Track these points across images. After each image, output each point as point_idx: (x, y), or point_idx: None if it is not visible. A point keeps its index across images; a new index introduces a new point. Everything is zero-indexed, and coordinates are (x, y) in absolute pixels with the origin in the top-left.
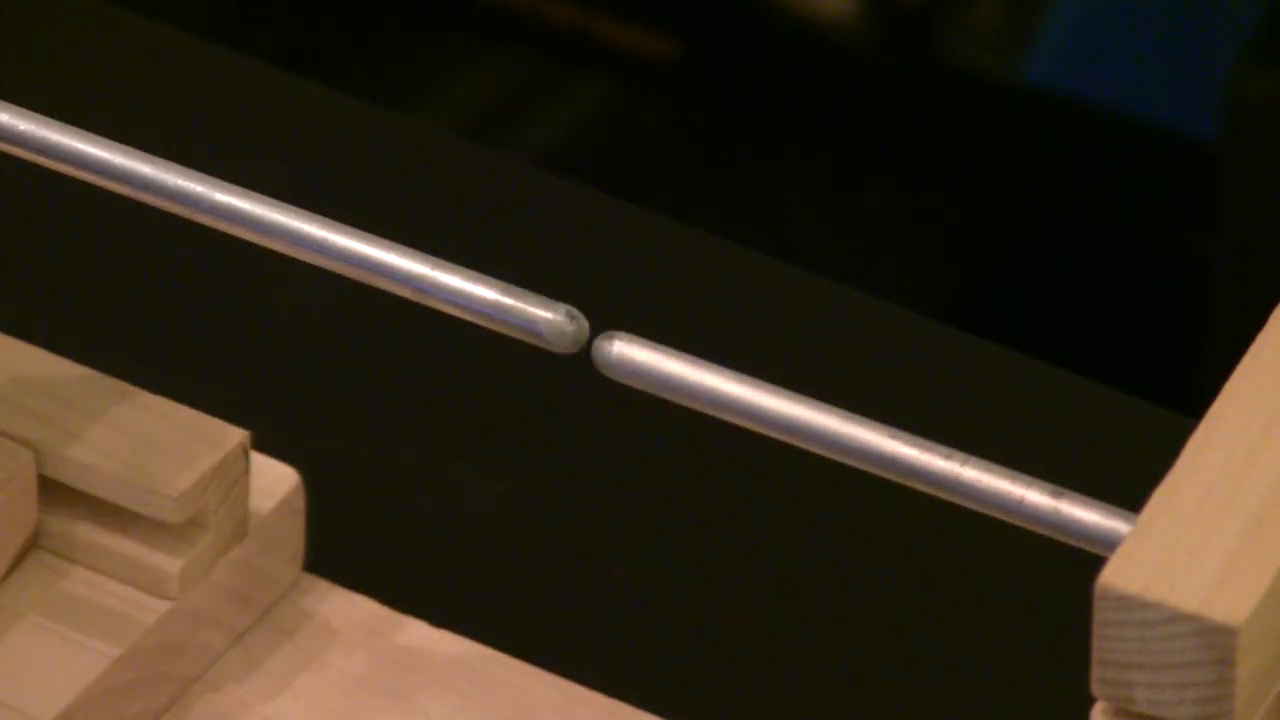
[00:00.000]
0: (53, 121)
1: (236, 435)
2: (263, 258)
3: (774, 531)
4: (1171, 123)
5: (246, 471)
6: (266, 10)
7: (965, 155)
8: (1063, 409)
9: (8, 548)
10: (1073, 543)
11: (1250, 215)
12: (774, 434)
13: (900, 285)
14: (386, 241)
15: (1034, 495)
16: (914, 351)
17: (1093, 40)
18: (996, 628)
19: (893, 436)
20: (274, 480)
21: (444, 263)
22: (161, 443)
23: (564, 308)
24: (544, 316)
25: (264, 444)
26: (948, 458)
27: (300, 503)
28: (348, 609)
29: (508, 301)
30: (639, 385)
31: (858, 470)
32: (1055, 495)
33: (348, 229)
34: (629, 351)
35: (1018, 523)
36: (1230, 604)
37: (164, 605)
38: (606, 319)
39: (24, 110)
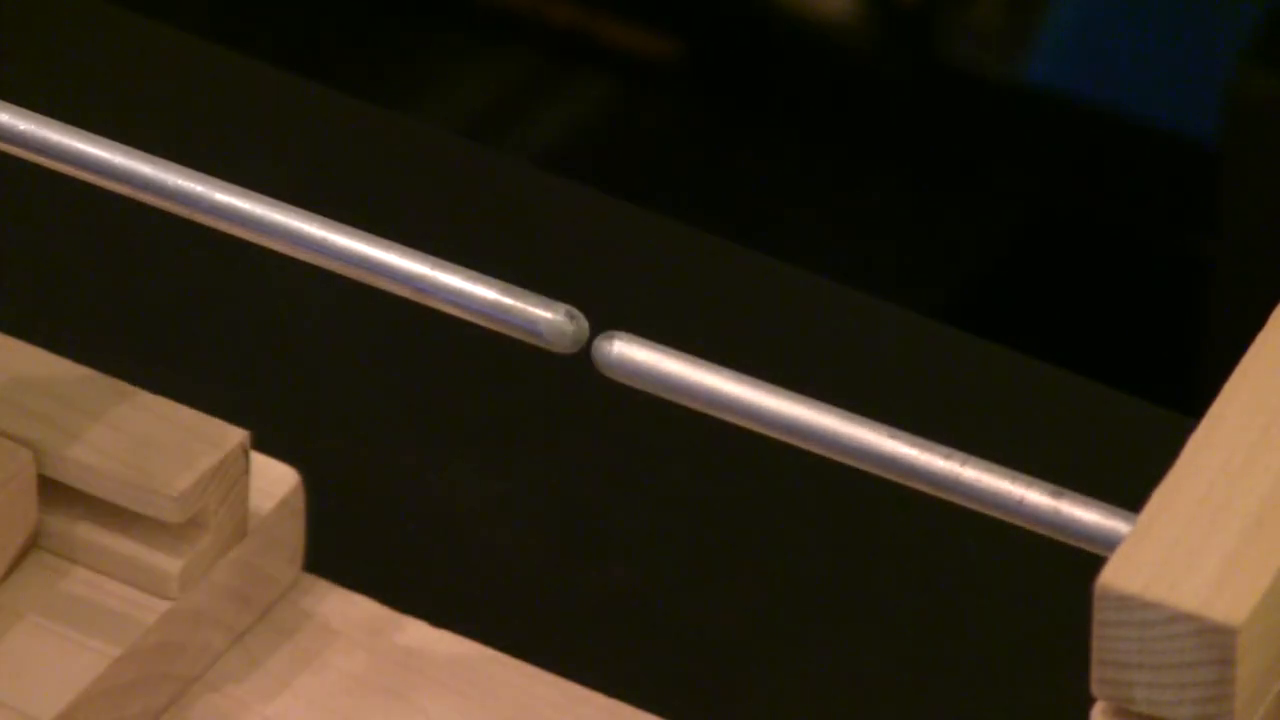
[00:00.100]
0: (53, 121)
1: (236, 435)
2: (263, 258)
3: (774, 531)
4: (1171, 123)
5: (246, 471)
6: (266, 10)
7: (965, 155)
8: (1063, 409)
9: (8, 548)
10: (1073, 543)
11: (1250, 215)
12: (774, 434)
13: (900, 285)
14: (386, 241)
15: (1034, 495)
16: (914, 351)
17: (1093, 40)
18: (996, 628)
19: (892, 436)
20: (274, 480)
21: (444, 263)
22: (161, 443)
23: (564, 308)
24: (544, 316)
25: (264, 444)
26: (947, 458)
27: (300, 503)
28: (347, 609)
29: (507, 301)
30: (639, 385)
31: (858, 470)
32: (1055, 495)
33: (348, 229)
34: (629, 351)
35: (1018, 523)
36: (1230, 604)
37: (164, 605)
38: (606, 319)
39: (24, 110)
